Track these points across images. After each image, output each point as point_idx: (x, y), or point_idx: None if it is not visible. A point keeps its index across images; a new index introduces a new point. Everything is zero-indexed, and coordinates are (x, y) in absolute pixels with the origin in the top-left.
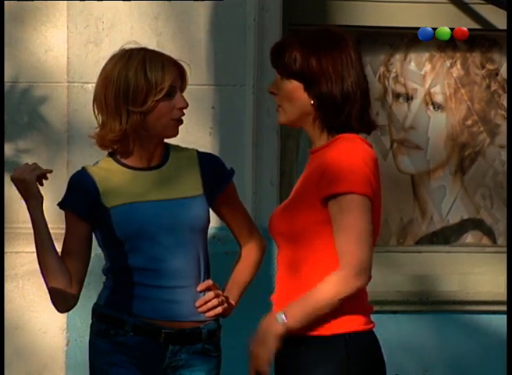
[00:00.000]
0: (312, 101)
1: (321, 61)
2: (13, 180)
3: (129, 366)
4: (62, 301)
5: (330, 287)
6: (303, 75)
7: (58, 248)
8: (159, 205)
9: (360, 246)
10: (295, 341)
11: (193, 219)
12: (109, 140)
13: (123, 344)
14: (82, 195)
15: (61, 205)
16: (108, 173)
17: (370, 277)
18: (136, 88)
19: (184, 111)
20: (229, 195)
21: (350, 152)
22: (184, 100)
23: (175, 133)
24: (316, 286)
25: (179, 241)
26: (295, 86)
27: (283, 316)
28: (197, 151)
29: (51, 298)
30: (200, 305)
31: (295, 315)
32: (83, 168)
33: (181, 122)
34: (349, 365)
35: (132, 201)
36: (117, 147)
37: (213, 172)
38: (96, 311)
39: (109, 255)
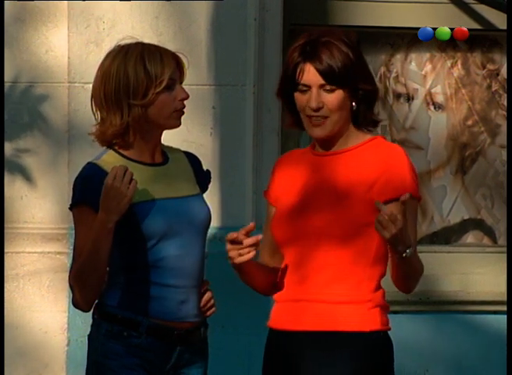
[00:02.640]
0: (354, 103)
1: (358, 62)
2: (109, 187)
3: (139, 368)
4: (95, 300)
5: (421, 272)
6: (346, 81)
7: (59, 247)
8: (179, 202)
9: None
10: (333, 337)
11: (207, 217)
12: (111, 134)
13: (137, 347)
14: (99, 190)
15: (78, 202)
16: None
17: None
18: (137, 81)
19: (185, 102)
20: None
21: (405, 156)
22: (184, 91)
23: (177, 124)
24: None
25: (194, 239)
26: (342, 95)
27: (412, 250)
28: (182, 150)
29: (87, 298)
30: (204, 306)
31: (410, 260)
32: (94, 163)
33: (183, 112)
34: (389, 360)
35: (157, 198)
36: (117, 142)
37: (200, 172)
38: (105, 312)
39: (124, 252)
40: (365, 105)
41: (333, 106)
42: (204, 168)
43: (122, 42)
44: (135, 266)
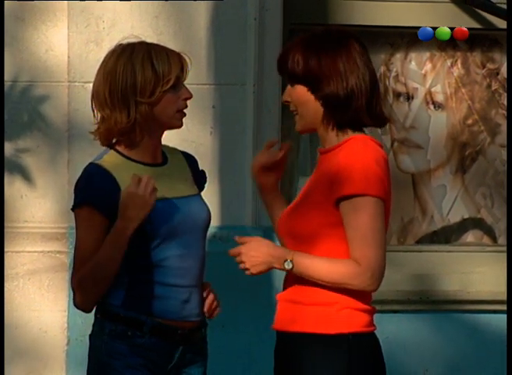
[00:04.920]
0: (320, 102)
1: (321, 62)
2: (133, 194)
3: (143, 368)
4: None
5: (343, 274)
6: (306, 78)
7: (59, 247)
8: (180, 203)
9: (378, 250)
10: (297, 339)
11: (208, 216)
12: (118, 131)
13: (141, 346)
14: (105, 192)
15: (81, 202)
16: (121, 167)
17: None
18: (145, 79)
19: (187, 102)
20: None
21: (362, 154)
22: (189, 91)
23: (180, 124)
24: (336, 260)
25: (196, 239)
26: (303, 90)
27: (291, 265)
28: (179, 150)
29: (91, 301)
30: (209, 308)
31: (299, 270)
32: (96, 164)
33: (185, 114)
34: (350, 365)
35: (161, 198)
36: (121, 140)
37: (197, 173)
38: (109, 311)
39: (129, 253)
40: (329, 105)
41: (293, 100)
42: (201, 168)
43: (124, 41)
44: (139, 266)
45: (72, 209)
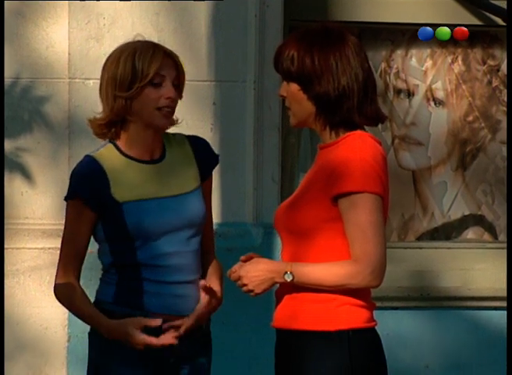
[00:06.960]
0: (312, 101)
1: (314, 60)
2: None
3: (140, 364)
4: None
5: (343, 276)
6: (299, 77)
7: (59, 243)
8: (169, 202)
9: (378, 246)
10: (297, 336)
11: (198, 214)
12: (97, 124)
13: None
14: (94, 185)
15: (71, 195)
16: (114, 163)
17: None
18: (123, 74)
19: (173, 102)
20: (208, 185)
21: (360, 150)
22: (173, 90)
23: (162, 123)
24: (333, 263)
25: (185, 237)
26: (296, 88)
27: (291, 277)
28: (184, 135)
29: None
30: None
31: (300, 280)
32: (90, 156)
33: (169, 112)
34: (351, 361)
35: (144, 198)
36: (119, 135)
37: (204, 156)
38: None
39: (114, 250)
40: (320, 105)
41: (288, 96)
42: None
43: (136, 39)
44: (126, 264)
45: (65, 199)
